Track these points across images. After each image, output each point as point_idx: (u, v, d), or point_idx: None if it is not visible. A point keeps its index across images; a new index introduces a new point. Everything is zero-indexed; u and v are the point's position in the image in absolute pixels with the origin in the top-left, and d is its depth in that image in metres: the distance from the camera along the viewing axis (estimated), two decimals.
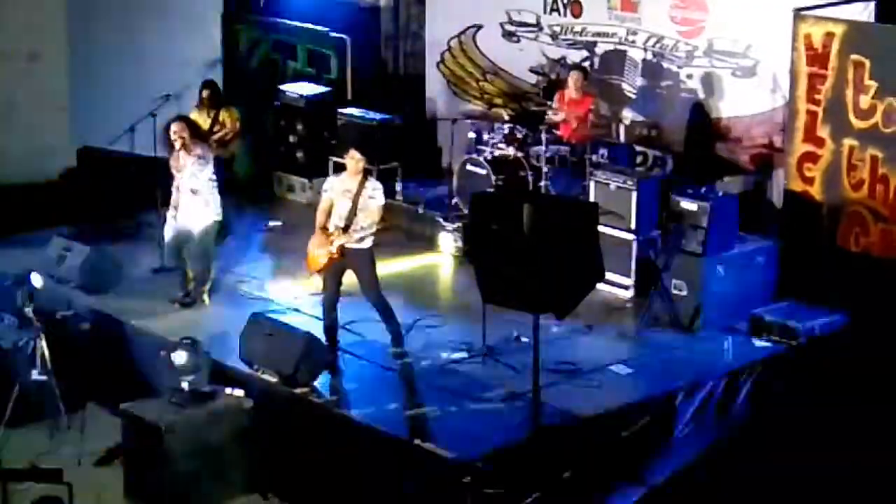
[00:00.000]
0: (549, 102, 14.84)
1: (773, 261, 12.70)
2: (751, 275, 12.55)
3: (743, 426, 11.19)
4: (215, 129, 14.53)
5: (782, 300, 12.45)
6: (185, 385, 10.94)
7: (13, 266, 13.22)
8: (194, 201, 12.72)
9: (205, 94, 14.67)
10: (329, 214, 11.63)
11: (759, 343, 12.07)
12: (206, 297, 12.96)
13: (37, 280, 11.95)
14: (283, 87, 16.66)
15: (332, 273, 11.68)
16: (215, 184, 12.77)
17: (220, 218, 12.91)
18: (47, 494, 10.03)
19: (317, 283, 12.32)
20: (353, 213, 11.50)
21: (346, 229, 11.50)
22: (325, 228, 11.61)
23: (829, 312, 12.11)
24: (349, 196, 11.52)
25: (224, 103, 14.80)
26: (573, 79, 14.54)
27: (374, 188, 11.58)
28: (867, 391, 10.97)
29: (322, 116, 16.14)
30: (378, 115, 15.66)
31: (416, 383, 11.46)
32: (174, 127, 12.72)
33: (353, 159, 11.58)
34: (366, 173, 11.67)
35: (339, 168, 13.36)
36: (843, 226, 12.55)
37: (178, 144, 12.63)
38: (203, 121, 14.53)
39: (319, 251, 11.60)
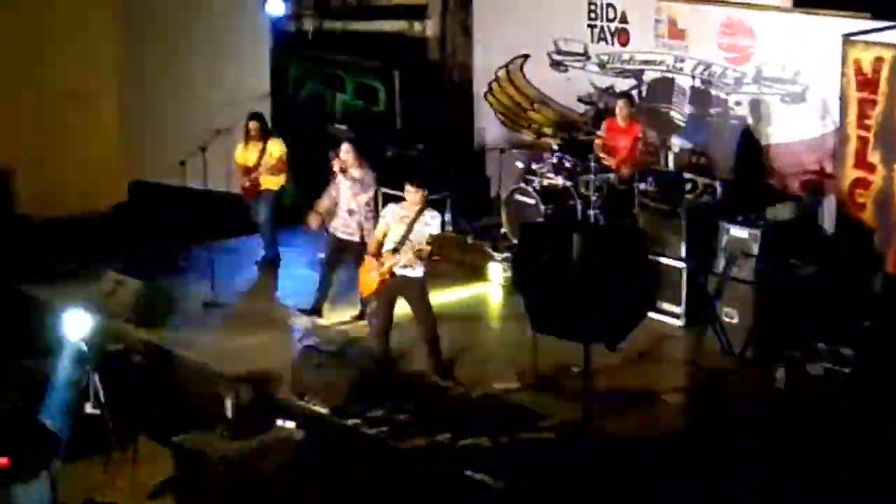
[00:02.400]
0: (597, 132, 14.83)
1: (825, 287, 12.59)
2: (802, 301, 12.45)
3: (797, 454, 11.09)
4: (262, 160, 14.60)
5: (833, 328, 12.34)
6: (236, 417, 10.97)
7: (66, 300, 13.32)
8: (348, 221, 13.05)
9: (251, 125, 14.74)
10: (382, 242, 11.70)
11: (812, 370, 11.99)
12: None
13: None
14: (331, 119, 16.74)
15: (385, 300, 11.72)
16: (371, 209, 13.13)
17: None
18: None
19: (368, 311, 12.43)
20: (405, 237, 11.56)
21: (396, 252, 11.55)
22: (378, 254, 11.67)
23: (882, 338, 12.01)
24: (405, 222, 11.62)
25: (271, 135, 14.88)
26: (619, 107, 14.54)
27: (433, 216, 11.66)
28: None
29: (370, 148, 16.17)
30: (426, 147, 15.69)
31: (467, 413, 11.44)
32: (343, 147, 13.23)
33: (410, 192, 11.64)
34: (425, 204, 11.72)
35: (387, 199, 13.44)
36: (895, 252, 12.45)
37: (336, 167, 13.11)
38: (251, 153, 14.63)
39: (372, 274, 11.68)
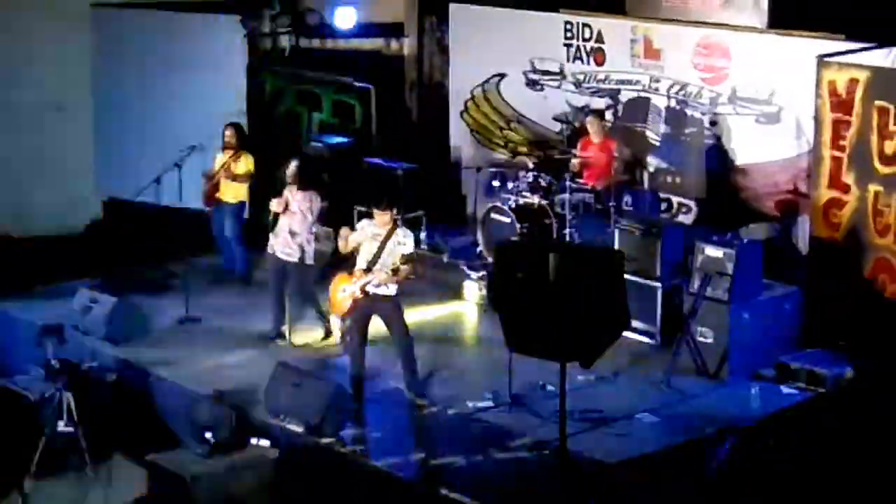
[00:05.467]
0: (572, 151, 14.84)
1: (799, 307, 12.65)
2: (777, 321, 12.50)
3: (770, 474, 11.11)
4: (230, 165, 14.58)
5: (809, 347, 12.40)
6: (210, 435, 10.94)
7: (40, 317, 13.28)
8: (289, 242, 12.98)
9: (227, 133, 14.75)
10: (352, 248, 11.69)
11: (785, 390, 12.02)
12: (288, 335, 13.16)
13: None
14: (307, 136, 16.73)
15: (358, 320, 11.71)
16: (313, 231, 13.10)
17: (311, 263, 13.12)
18: None
19: (339, 332, 12.39)
20: (377, 256, 11.55)
21: (368, 271, 11.54)
22: (349, 273, 11.65)
23: (856, 359, 12.05)
24: (378, 240, 11.61)
25: (246, 147, 14.83)
26: (590, 124, 14.58)
27: (405, 235, 11.67)
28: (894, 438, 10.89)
29: (346, 166, 16.19)
30: (402, 164, 15.70)
31: (442, 432, 11.43)
32: (290, 166, 13.23)
33: (378, 214, 11.66)
34: (396, 222, 11.71)
35: (364, 217, 13.42)
36: (870, 272, 12.49)
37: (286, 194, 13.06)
38: (223, 159, 14.63)
39: (343, 294, 11.67)
